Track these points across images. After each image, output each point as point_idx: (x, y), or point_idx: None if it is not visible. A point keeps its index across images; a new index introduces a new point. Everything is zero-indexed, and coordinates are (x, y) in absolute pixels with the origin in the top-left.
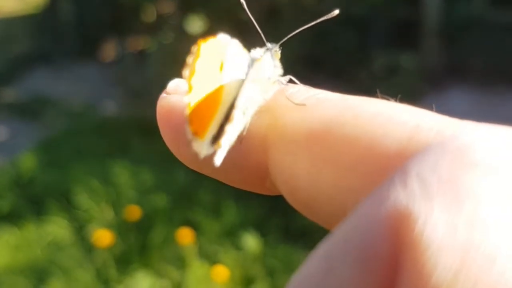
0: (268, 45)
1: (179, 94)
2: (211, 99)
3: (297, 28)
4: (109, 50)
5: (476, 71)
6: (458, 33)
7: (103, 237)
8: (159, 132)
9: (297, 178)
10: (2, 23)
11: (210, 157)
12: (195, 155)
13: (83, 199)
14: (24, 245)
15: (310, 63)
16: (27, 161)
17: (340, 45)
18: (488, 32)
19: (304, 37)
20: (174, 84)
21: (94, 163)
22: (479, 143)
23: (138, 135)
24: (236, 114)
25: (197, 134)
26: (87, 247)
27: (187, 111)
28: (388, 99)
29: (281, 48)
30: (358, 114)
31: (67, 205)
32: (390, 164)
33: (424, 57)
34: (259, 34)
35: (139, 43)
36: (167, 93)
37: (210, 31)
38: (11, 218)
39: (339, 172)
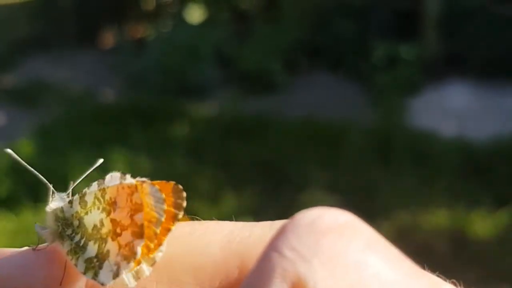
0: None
1: None
2: None
3: (296, 17)
4: (108, 37)
5: (476, 62)
6: (458, 24)
7: None
8: (157, 119)
9: None
10: (1, 8)
11: None
12: None
13: (80, 186)
14: (22, 231)
15: (311, 53)
16: (25, 147)
17: (340, 35)
18: (488, 23)
19: (304, 28)
20: None
21: (92, 149)
22: (325, 216)
23: (136, 122)
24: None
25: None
26: None
27: None
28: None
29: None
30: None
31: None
32: (226, 266)
33: (424, 48)
34: (257, 22)
35: (138, 30)
36: None
37: (208, 20)
38: (9, 204)
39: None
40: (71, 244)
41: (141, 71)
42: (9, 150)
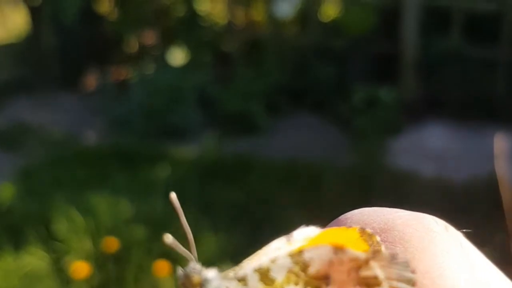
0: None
1: None
2: None
3: (278, 59)
4: (91, 80)
5: (453, 104)
6: (436, 67)
7: (80, 268)
8: (138, 162)
9: None
10: None
11: None
12: None
13: (61, 230)
14: (1, 276)
15: (291, 96)
16: (6, 190)
17: (320, 78)
18: (465, 66)
19: (285, 71)
20: None
21: (73, 193)
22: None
23: (118, 165)
24: None
25: None
26: (65, 279)
27: None
28: None
29: None
30: None
31: (46, 236)
32: None
33: (402, 90)
34: (239, 64)
35: (121, 73)
36: None
37: (191, 62)
38: None
39: None
40: None
41: (123, 113)
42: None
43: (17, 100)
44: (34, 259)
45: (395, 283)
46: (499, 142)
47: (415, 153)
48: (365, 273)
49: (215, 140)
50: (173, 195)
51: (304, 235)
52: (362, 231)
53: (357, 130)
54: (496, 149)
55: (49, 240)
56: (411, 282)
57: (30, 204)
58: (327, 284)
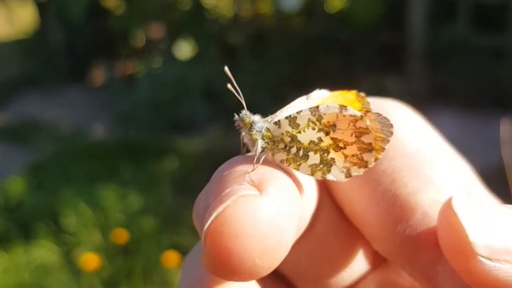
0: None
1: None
2: None
3: (284, 51)
4: (98, 75)
5: (459, 93)
6: (442, 56)
7: (90, 260)
8: (146, 154)
9: None
10: None
11: None
12: None
13: (71, 223)
14: (12, 269)
15: (297, 86)
16: (16, 185)
17: (327, 68)
18: (471, 55)
19: (291, 62)
20: None
21: (82, 186)
22: None
23: (126, 158)
24: None
25: None
26: (75, 271)
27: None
28: None
29: None
30: None
31: (55, 229)
32: None
33: (409, 80)
34: (245, 57)
35: (128, 67)
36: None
37: (197, 56)
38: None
39: None
40: (287, 155)
41: (131, 107)
42: (226, 68)
43: (26, 95)
44: (45, 252)
45: (379, 132)
46: (505, 128)
47: None
48: (359, 124)
49: (222, 132)
50: (226, 68)
51: (319, 95)
52: (358, 93)
53: None
54: (502, 135)
55: (59, 233)
56: (390, 132)
57: (39, 198)
58: (334, 130)
